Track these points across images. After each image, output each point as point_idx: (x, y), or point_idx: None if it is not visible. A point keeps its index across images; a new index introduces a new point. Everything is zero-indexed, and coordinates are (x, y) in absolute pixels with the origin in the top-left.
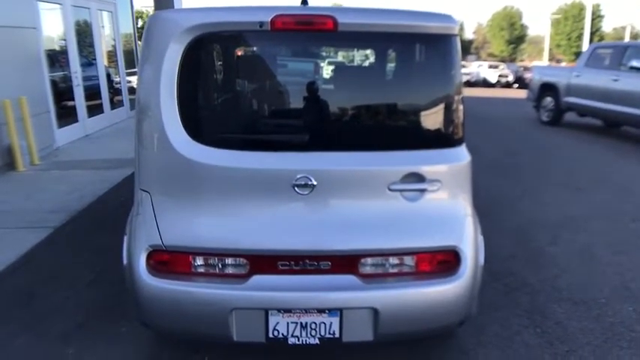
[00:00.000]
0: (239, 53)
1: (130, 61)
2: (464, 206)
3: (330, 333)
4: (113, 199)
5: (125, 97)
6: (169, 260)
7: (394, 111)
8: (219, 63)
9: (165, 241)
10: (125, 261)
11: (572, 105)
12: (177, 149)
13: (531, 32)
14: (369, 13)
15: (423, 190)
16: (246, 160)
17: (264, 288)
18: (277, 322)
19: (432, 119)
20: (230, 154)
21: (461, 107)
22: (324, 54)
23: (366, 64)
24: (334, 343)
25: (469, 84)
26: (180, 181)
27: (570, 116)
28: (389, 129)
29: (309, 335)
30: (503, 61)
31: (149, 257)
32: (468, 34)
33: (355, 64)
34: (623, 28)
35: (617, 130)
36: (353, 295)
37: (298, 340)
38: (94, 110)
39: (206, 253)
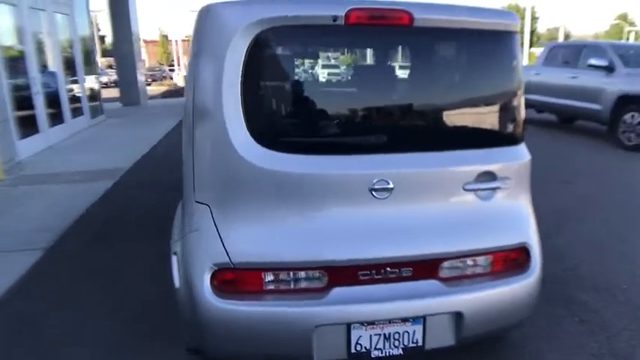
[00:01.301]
0: (309, 49)
1: (89, 66)
2: (527, 203)
3: (413, 342)
4: (100, 215)
5: (85, 104)
6: (237, 279)
7: (465, 109)
8: (287, 60)
9: (234, 258)
10: (178, 283)
11: (531, 102)
12: (244, 156)
13: None
14: (444, 8)
15: (495, 189)
16: (320, 165)
17: (346, 301)
18: (360, 336)
19: (499, 117)
20: (302, 159)
21: (523, 105)
22: (397, 50)
23: (437, 61)
24: (417, 352)
25: None
26: (247, 191)
27: (528, 113)
28: (461, 127)
29: (392, 346)
30: None
31: (212, 277)
32: None
33: (426, 61)
34: (557, 29)
35: (571, 125)
36: (438, 301)
37: (381, 353)
38: (55, 119)
39: (281, 269)
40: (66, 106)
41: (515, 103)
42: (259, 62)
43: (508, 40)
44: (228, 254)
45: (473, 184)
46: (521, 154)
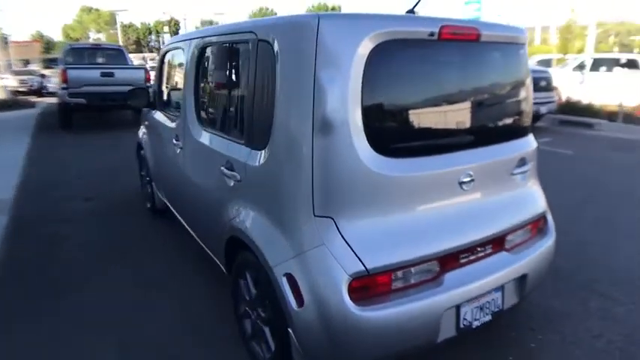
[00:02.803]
0: (409, 61)
1: None
2: (538, 180)
3: (496, 307)
4: (20, 256)
5: None
6: (368, 285)
7: (508, 106)
8: (393, 71)
9: (368, 264)
10: (296, 305)
11: None
12: (369, 166)
13: None
14: (495, 26)
15: (526, 171)
16: (428, 166)
17: (457, 284)
18: (466, 312)
19: (524, 111)
20: (412, 162)
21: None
22: (468, 61)
23: (492, 69)
24: (499, 315)
25: None
26: (370, 199)
27: None
28: (506, 122)
29: (484, 315)
30: None
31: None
32: None
33: (486, 69)
34: None
35: None
36: (513, 268)
37: (479, 323)
38: None
39: (406, 266)
40: None
41: (530, 100)
42: (374, 75)
43: (523, 50)
44: (362, 262)
45: (516, 168)
46: (534, 141)
